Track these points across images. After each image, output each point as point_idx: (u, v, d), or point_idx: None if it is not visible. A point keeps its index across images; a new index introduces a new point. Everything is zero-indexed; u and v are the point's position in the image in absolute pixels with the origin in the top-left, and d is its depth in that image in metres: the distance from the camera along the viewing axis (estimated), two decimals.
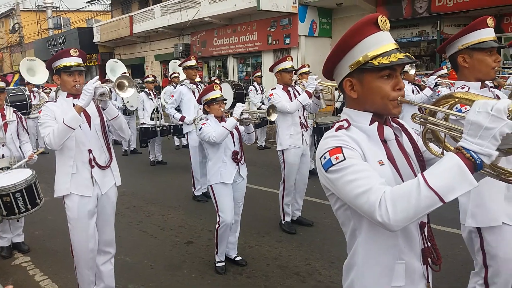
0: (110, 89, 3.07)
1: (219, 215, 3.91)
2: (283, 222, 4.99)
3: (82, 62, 3.18)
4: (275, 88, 4.87)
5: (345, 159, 1.38)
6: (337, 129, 1.52)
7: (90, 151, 3.14)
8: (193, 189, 6.45)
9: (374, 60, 1.44)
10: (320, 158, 1.45)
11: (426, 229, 1.56)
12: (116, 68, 13.75)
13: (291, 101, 4.76)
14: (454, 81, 3.22)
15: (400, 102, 1.48)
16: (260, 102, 10.19)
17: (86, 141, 3.13)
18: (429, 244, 1.56)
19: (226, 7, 17.53)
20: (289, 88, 4.89)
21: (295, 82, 5.16)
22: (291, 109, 4.68)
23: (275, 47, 17.29)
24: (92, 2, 31.24)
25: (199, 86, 6.32)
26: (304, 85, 5.06)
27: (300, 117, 4.88)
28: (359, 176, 1.34)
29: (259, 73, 11.09)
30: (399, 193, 1.26)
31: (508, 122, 1.16)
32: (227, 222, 3.86)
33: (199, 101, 4.21)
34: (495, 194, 2.29)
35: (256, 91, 10.38)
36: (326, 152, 1.43)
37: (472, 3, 12.57)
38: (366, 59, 1.45)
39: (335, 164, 1.39)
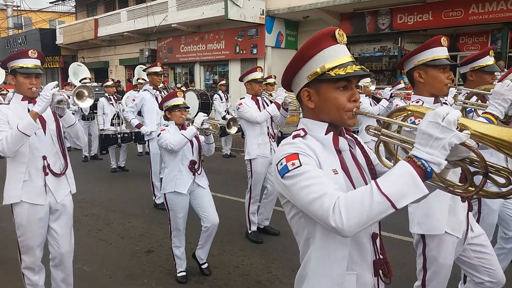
0: (68, 96, 2.98)
1: (170, 224, 3.89)
2: (249, 231, 4.98)
3: (40, 65, 3.08)
4: (244, 97, 4.90)
5: (301, 165, 1.40)
6: (294, 136, 1.56)
7: (44, 157, 3.03)
8: (154, 197, 6.35)
9: (331, 71, 1.48)
10: (277, 164, 1.46)
11: (378, 241, 1.60)
12: (79, 71, 13.42)
13: (260, 111, 4.80)
14: (409, 91, 3.36)
15: (355, 113, 1.53)
16: (225, 111, 10.20)
17: (41, 147, 3.02)
18: (380, 256, 1.59)
19: (194, 15, 17.51)
20: (258, 98, 4.93)
21: (262, 92, 5.21)
22: (260, 119, 4.71)
23: (242, 57, 17.41)
24: (56, 3, 30.36)
25: (162, 93, 6.26)
26: (271, 95, 5.12)
27: (268, 127, 4.94)
28: (314, 182, 1.36)
29: (223, 82, 11.10)
30: (353, 198, 1.28)
31: (457, 133, 1.21)
32: (178, 230, 3.87)
33: (160, 107, 4.13)
34: (441, 205, 2.41)
35: (221, 99, 10.38)
36: (282, 158, 1.45)
37: (431, 22, 13.19)
38: (323, 70, 1.49)
39: (291, 170, 1.41)
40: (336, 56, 1.50)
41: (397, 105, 5.45)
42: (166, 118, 4.05)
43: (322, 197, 1.32)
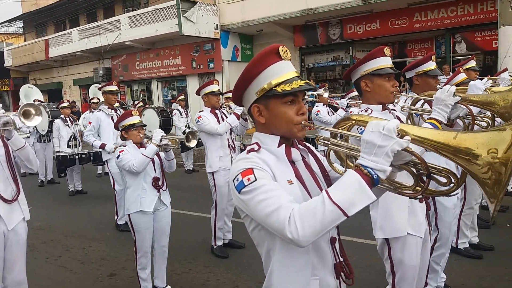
0: (14, 118, 2.89)
1: (135, 246, 3.81)
2: (214, 247, 4.94)
3: None
4: (203, 110, 4.90)
5: (256, 179, 1.44)
6: (248, 151, 1.60)
7: None
8: (116, 217, 6.20)
9: (277, 87, 1.53)
10: (233, 180, 1.49)
11: (337, 244, 1.64)
12: (30, 94, 12.96)
13: (219, 123, 4.82)
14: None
15: (304, 126, 1.59)
16: (185, 126, 10.15)
17: None
18: (341, 259, 1.64)
19: (147, 32, 17.37)
20: (217, 111, 4.94)
21: (221, 106, 5.25)
22: (220, 131, 4.72)
23: (199, 71, 17.41)
24: (2, 24, 29.20)
25: (118, 112, 6.15)
26: (231, 107, 5.16)
27: (228, 139, 4.95)
28: (269, 195, 1.40)
29: (182, 97, 11.08)
30: (306, 209, 1.33)
31: (397, 141, 1.29)
32: (145, 251, 3.79)
33: (116, 127, 4.06)
34: (400, 208, 2.51)
35: (181, 114, 10.34)
36: (238, 174, 1.48)
37: (379, 31, 13.78)
38: (270, 86, 1.54)
39: (247, 185, 1.44)
40: (281, 72, 1.55)
41: (351, 111, 5.64)
42: (123, 138, 3.98)
43: (278, 210, 1.36)
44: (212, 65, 16.79)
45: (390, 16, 13.36)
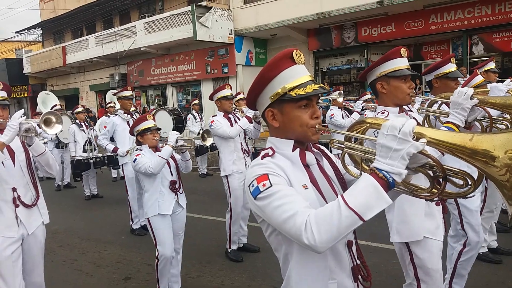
0: (36, 125, 2.95)
1: (157, 249, 3.80)
2: (229, 250, 4.94)
3: (6, 96, 3.05)
4: (216, 115, 4.93)
5: (271, 185, 1.44)
6: (263, 157, 1.59)
7: (14, 189, 2.97)
8: (130, 222, 6.25)
9: (291, 91, 1.53)
10: (249, 186, 1.49)
11: (354, 248, 1.63)
12: (47, 100, 13.22)
13: (232, 127, 4.83)
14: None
15: (318, 129, 1.58)
16: (200, 131, 10.19)
17: (10, 179, 2.96)
18: (358, 262, 1.63)
19: (162, 38, 17.57)
20: (230, 115, 4.97)
21: (234, 109, 5.27)
22: (232, 134, 4.73)
23: (214, 76, 17.52)
24: (21, 32, 29.88)
25: (134, 116, 6.22)
26: (243, 111, 5.17)
27: (241, 143, 4.96)
28: (285, 201, 1.40)
29: (196, 101, 11.13)
30: (322, 215, 1.32)
31: (413, 144, 1.27)
32: (166, 256, 3.76)
33: (131, 132, 4.09)
34: (416, 211, 2.46)
35: (195, 119, 10.39)
36: (254, 180, 1.48)
37: (394, 33, 13.66)
38: (284, 91, 1.54)
39: (262, 191, 1.44)
40: (296, 77, 1.55)
41: (366, 114, 5.59)
42: (138, 142, 4.02)
43: (294, 216, 1.36)
44: (226, 70, 16.88)
45: (405, 18, 13.25)
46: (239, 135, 4.87)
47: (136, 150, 3.93)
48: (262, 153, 1.62)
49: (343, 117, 6.16)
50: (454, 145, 1.29)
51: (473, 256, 3.47)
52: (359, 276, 1.60)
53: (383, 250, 4.71)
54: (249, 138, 5.34)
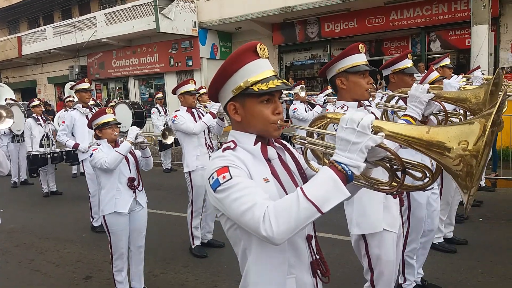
0: None
1: (111, 247, 3.73)
2: (193, 246, 4.89)
3: None
4: (179, 110, 4.85)
5: (231, 177, 1.42)
6: (224, 149, 1.58)
7: None
8: (91, 220, 6.07)
9: (254, 86, 1.51)
10: (209, 179, 1.47)
11: (313, 242, 1.63)
12: (2, 93, 12.62)
13: (196, 122, 4.77)
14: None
15: (280, 125, 1.57)
16: (164, 125, 10.03)
17: None
18: (317, 256, 1.63)
19: (124, 29, 17.11)
20: (193, 110, 4.90)
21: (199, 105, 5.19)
22: (196, 130, 4.68)
23: (177, 69, 17.27)
24: None
25: (92, 110, 6.02)
26: (207, 106, 5.12)
27: (205, 138, 4.91)
28: (245, 193, 1.39)
29: (160, 95, 10.93)
30: (281, 206, 1.32)
31: (372, 137, 1.29)
32: (120, 253, 3.71)
33: (89, 126, 3.96)
34: (375, 204, 2.52)
35: (159, 113, 10.22)
36: (214, 172, 1.46)
37: (356, 29, 13.94)
38: (246, 85, 1.52)
39: (222, 184, 1.42)
40: (259, 71, 1.53)
41: (327, 110, 5.67)
42: (97, 137, 3.89)
43: (253, 208, 1.35)
44: (190, 63, 16.68)
45: (367, 14, 13.52)
46: (203, 130, 4.82)
47: (94, 145, 3.81)
48: (224, 145, 1.61)
49: (306, 111, 6.24)
50: (412, 138, 1.32)
51: (416, 247, 3.56)
52: (318, 271, 1.61)
53: (346, 242, 4.80)
54: (213, 134, 5.31)
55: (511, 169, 7.70)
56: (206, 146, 4.91)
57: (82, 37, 18.31)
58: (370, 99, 3.17)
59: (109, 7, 18.65)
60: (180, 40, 16.58)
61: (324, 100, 5.67)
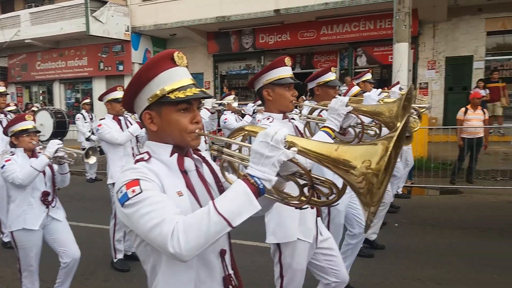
0: None
1: (19, 264, 3.45)
2: (114, 260, 4.67)
3: None
4: (105, 118, 4.62)
5: (141, 191, 1.36)
6: (137, 161, 1.51)
7: None
8: (1, 235, 5.58)
9: (171, 94, 1.47)
10: (117, 193, 1.40)
11: (227, 257, 1.61)
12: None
13: (122, 131, 4.58)
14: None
15: (198, 135, 1.54)
16: (89, 131, 9.56)
17: None
18: (230, 271, 1.61)
19: (51, 30, 16.20)
20: (120, 118, 4.69)
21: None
22: (121, 140, 4.49)
23: (107, 73, 16.65)
24: None
25: (8, 116, 5.57)
26: (135, 116, 4.93)
27: (132, 148, 4.71)
28: (154, 208, 1.33)
29: (88, 100, 10.42)
30: (191, 221, 1.28)
31: (284, 151, 1.30)
32: (29, 271, 3.45)
33: (5, 132, 3.66)
34: (291, 214, 2.57)
35: (85, 119, 9.74)
36: (123, 186, 1.39)
37: (289, 42, 14.34)
38: (163, 93, 1.47)
39: (131, 198, 1.36)
40: (176, 79, 1.49)
41: (258, 120, 5.73)
42: (13, 145, 3.57)
43: (161, 224, 1.30)
44: (121, 68, 16.14)
45: (299, 28, 13.96)
46: (130, 140, 4.63)
47: (7, 155, 3.50)
48: (137, 157, 1.54)
49: (236, 121, 6.25)
50: (321, 155, 1.36)
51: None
52: (230, 286, 1.59)
53: (264, 249, 4.83)
54: (141, 143, 5.12)
55: (425, 177, 8.31)
56: (133, 156, 4.72)
57: (3, 36, 17.03)
58: (297, 111, 3.26)
59: (35, 6, 17.53)
60: (112, 44, 16.01)
61: (254, 110, 5.72)
